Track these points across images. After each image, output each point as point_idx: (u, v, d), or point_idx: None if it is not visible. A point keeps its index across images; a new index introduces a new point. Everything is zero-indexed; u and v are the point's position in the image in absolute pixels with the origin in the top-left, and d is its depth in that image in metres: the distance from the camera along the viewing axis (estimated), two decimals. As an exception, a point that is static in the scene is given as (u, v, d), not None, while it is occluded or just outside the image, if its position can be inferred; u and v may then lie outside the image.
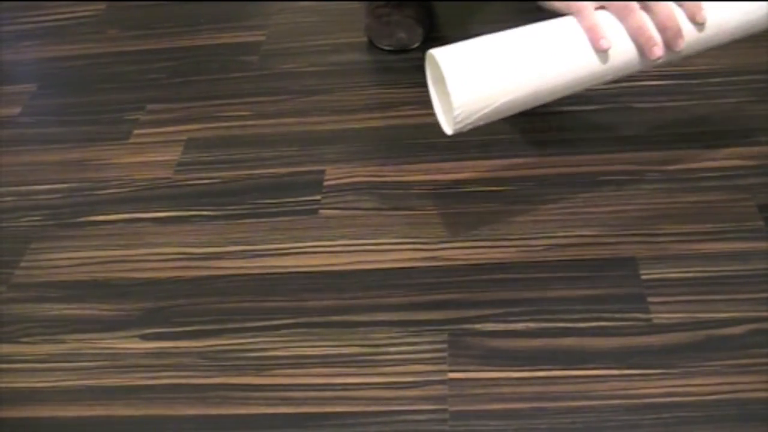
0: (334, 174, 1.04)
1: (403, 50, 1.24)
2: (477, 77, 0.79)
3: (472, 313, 0.84)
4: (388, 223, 0.96)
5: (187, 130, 1.15)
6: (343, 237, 0.95)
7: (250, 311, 0.88)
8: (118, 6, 1.51)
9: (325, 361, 0.82)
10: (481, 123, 0.81)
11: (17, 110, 1.26)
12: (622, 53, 0.81)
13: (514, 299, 0.85)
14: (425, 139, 1.05)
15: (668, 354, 0.77)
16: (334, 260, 0.92)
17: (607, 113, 1.05)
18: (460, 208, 0.96)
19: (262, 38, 1.34)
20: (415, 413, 0.76)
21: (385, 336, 0.83)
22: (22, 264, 0.98)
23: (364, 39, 1.28)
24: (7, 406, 0.82)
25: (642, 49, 0.81)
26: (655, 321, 0.81)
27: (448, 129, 0.84)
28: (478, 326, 0.83)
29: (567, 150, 1.01)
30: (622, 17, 0.81)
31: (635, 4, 0.81)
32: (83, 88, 1.30)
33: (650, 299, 0.83)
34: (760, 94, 1.05)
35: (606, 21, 0.81)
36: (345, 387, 0.79)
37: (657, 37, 0.81)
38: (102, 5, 1.51)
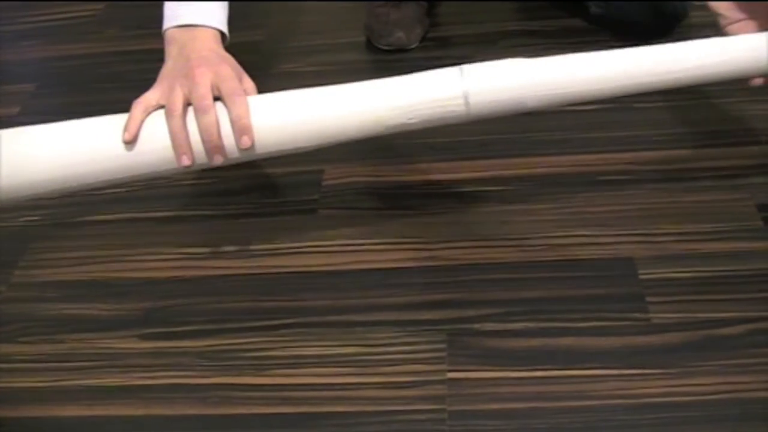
0: (333, 173, 1.04)
1: (401, 50, 1.24)
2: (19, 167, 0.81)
3: (471, 312, 0.84)
4: (386, 222, 0.96)
5: (186, 130, 1.15)
6: (341, 237, 0.95)
7: (248, 311, 0.88)
8: (117, 5, 1.51)
9: (323, 361, 0.82)
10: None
11: (16, 110, 1.26)
12: (158, 157, 0.81)
13: (512, 299, 0.85)
14: (423, 139, 1.05)
15: (667, 354, 0.77)
16: (332, 260, 0.92)
17: (606, 113, 1.05)
18: (459, 207, 0.96)
19: (262, 38, 1.34)
20: (413, 413, 0.76)
21: (383, 336, 0.83)
22: (21, 264, 0.98)
23: (363, 38, 1.27)
24: (5, 406, 0.82)
25: (175, 154, 0.80)
26: (654, 321, 0.81)
27: None
28: (476, 326, 0.83)
29: (566, 150, 1.01)
30: (166, 119, 0.80)
31: (179, 110, 0.80)
32: (82, 87, 1.30)
33: (649, 299, 0.83)
34: (758, 94, 1.04)
35: (156, 120, 0.81)
36: (343, 387, 0.79)
37: (192, 145, 0.80)
38: (101, 5, 1.51)
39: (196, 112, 0.80)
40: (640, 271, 0.85)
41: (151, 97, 0.82)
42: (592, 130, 1.04)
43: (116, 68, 1.33)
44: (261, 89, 1.21)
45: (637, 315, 0.81)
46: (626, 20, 1.17)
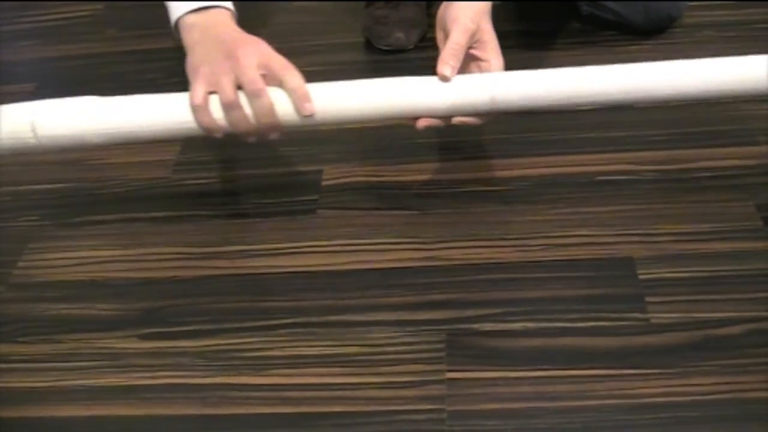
0: (332, 174, 1.04)
1: (400, 51, 1.24)
2: None
3: (470, 312, 0.84)
4: (385, 223, 0.96)
5: (185, 130, 1.15)
6: (340, 237, 0.95)
7: (247, 311, 0.88)
8: (117, 6, 1.50)
9: (322, 360, 0.82)
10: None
11: (15, 110, 1.26)
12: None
13: (511, 299, 0.85)
14: (423, 138, 1.05)
15: (666, 354, 0.77)
16: (331, 260, 0.92)
17: (605, 113, 1.05)
18: (458, 207, 0.96)
19: (261, 38, 1.34)
20: (412, 413, 0.76)
21: (382, 336, 0.83)
22: (20, 264, 0.98)
23: (362, 39, 1.27)
24: (4, 406, 0.82)
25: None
26: (653, 321, 0.81)
27: None
28: (475, 326, 0.83)
29: (565, 150, 1.01)
30: (225, 111, 0.80)
31: (236, 98, 0.79)
32: (81, 87, 1.28)
33: (648, 299, 0.83)
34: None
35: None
36: (342, 387, 0.79)
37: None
38: (100, 5, 1.51)
39: (250, 96, 0.79)
40: (639, 271, 0.85)
41: (199, 91, 0.80)
42: (590, 130, 1.04)
43: (115, 68, 1.32)
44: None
45: (636, 315, 0.81)
46: (617, 20, 1.17)
